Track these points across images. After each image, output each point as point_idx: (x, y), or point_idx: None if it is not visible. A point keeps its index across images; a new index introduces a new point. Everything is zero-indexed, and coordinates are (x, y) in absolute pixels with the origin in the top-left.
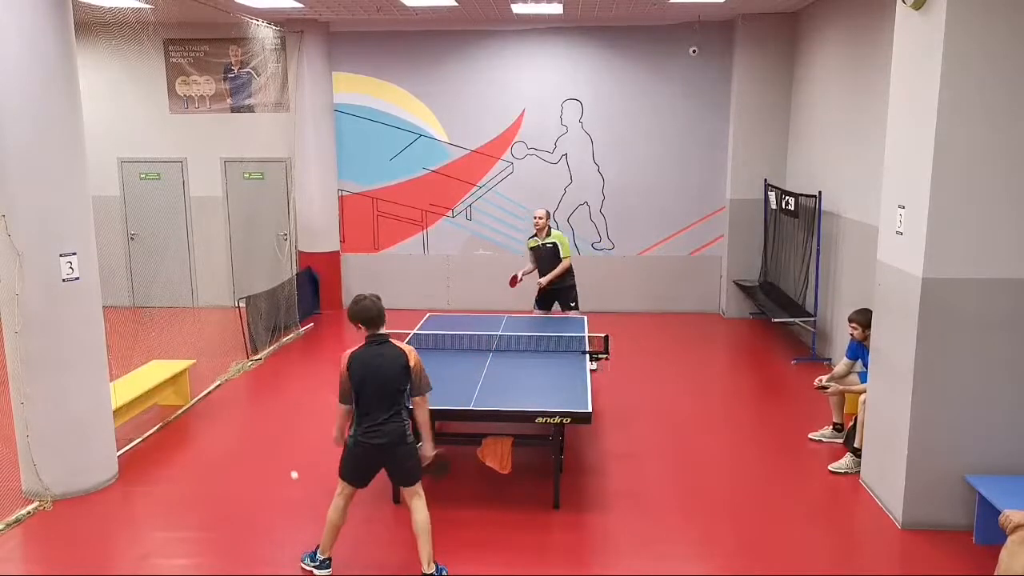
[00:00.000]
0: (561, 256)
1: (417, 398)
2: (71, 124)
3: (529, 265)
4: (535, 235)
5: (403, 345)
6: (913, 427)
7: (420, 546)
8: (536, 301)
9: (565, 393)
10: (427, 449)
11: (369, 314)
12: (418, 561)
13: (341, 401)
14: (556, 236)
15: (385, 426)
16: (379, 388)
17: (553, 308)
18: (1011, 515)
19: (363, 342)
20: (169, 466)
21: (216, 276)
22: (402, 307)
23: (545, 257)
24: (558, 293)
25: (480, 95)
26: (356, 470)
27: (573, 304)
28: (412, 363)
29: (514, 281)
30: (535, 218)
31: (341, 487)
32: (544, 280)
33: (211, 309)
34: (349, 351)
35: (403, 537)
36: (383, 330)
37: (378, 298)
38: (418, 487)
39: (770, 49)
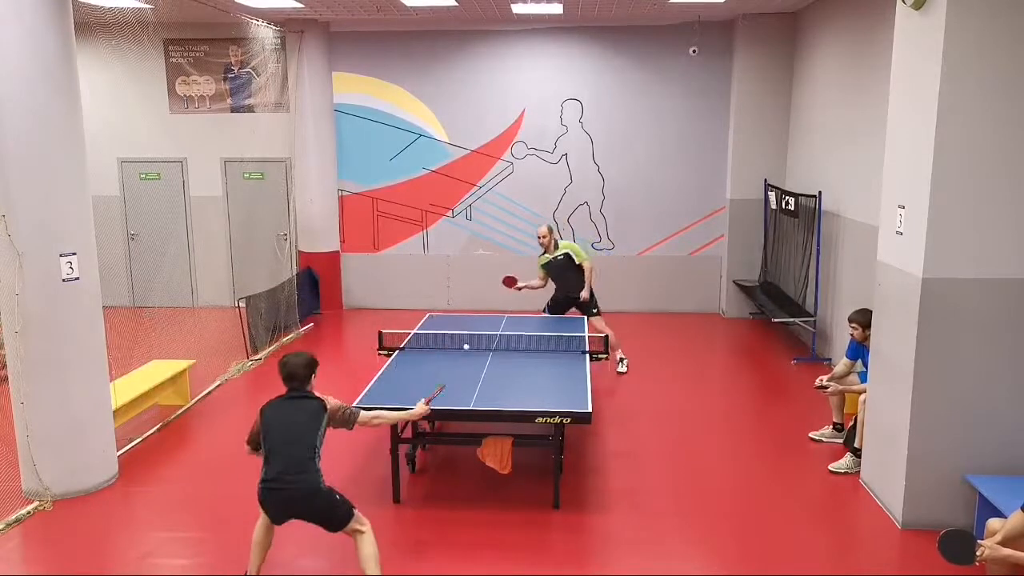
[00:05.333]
0: (578, 262)
1: (358, 424)
2: (71, 124)
3: (536, 281)
4: (544, 252)
5: (321, 395)
6: (913, 427)
7: None
8: (548, 308)
9: (565, 393)
10: (418, 411)
11: (291, 370)
12: (419, 560)
13: (248, 443)
14: (565, 246)
15: (291, 478)
16: (285, 440)
17: (568, 314)
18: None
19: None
20: (169, 466)
21: (216, 276)
22: (402, 307)
23: (559, 269)
24: (577, 300)
25: (480, 95)
26: (268, 513)
27: (596, 311)
28: (329, 408)
29: (512, 282)
30: (539, 237)
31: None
32: (585, 293)
33: (211, 309)
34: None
35: (404, 537)
36: (307, 388)
37: (300, 355)
38: (354, 524)
39: (770, 49)
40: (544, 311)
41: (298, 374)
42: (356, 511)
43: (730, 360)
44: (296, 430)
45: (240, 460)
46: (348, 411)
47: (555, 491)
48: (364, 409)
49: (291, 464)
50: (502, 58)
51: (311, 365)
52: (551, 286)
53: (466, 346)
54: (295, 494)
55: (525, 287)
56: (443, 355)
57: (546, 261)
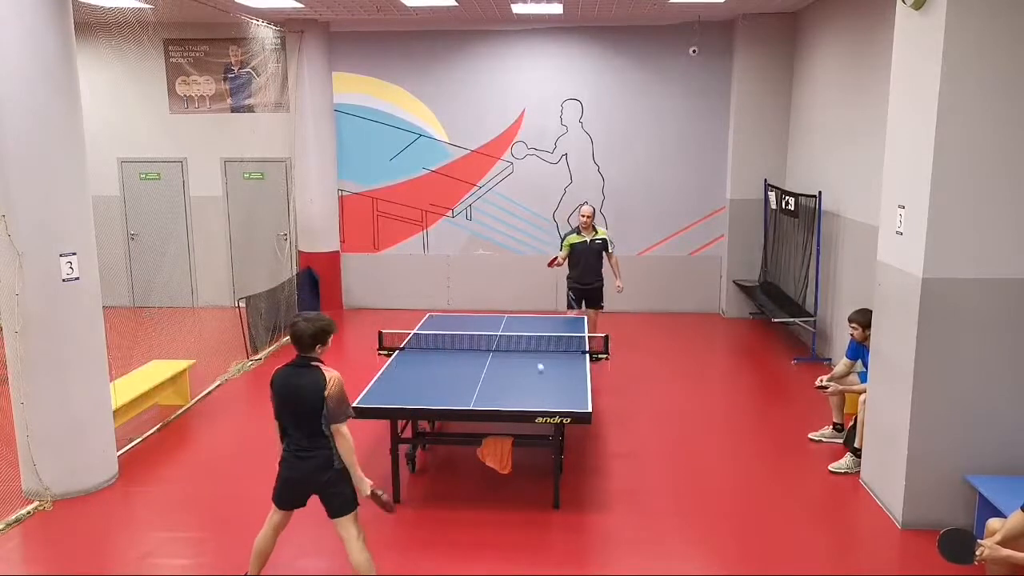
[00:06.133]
0: (610, 251)
1: (335, 426)
2: (71, 124)
3: (558, 259)
4: (576, 231)
5: (329, 371)
6: (913, 427)
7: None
8: (575, 301)
9: (565, 393)
10: (359, 486)
11: (297, 335)
12: (419, 560)
13: (276, 418)
14: (604, 233)
15: (304, 452)
16: (293, 412)
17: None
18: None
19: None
20: (169, 466)
21: (216, 276)
22: (402, 307)
23: (591, 254)
24: (593, 292)
25: (480, 95)
26: (281, 491)
27: (602, 304)
28: (328, 390)
29: (553, 263)
30: (582, 216)
31: (272, 510)
32: (621, 283)
33: (211, 309)
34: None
35: (404, 537)
36: (318, 353)
37: (312, 321)
38: (348, 523)
39: (770, 49)
40: (570, 306)
41: (302, 341)
42: (358, 511)
43: (730, 360)
44: (301, 408)
45: (240, 460)
46: (338, 412)
47: (555, 491)
48: (352, 418)
49: (302, 442)
50: (502, 58)
51: (318, 336)
52: (562, 273)
53: (540, 366)
54: (303, 473)
55: (553, 263)
56: (443, 355)
57: (578, 241)
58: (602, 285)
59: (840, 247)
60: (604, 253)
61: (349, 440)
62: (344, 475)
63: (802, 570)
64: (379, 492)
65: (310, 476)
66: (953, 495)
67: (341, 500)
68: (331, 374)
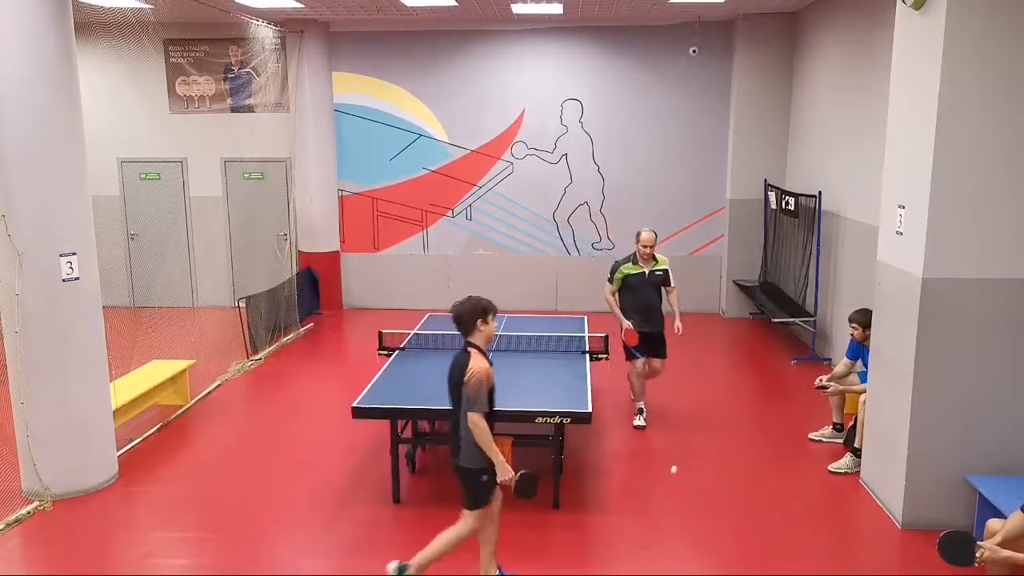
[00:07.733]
0: (672, 283)
1: (469, 414)
2: (71, 124)
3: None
4: (631, 259)
5: (476, 361)
6: (913, 427)
7: (429, 546)
8: (638, 349)
9: (565, 393)
10: (500, 475)
11: (456, 318)
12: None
13: None
14: (665, 261)
15: (453, 430)
16: (449, 390)
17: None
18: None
19: None
20: (169, 466)
21: (216, 276)
22: (402, 307)
23: (650, 288)
24: (656, 337)
25: (480, 95)
26: None
27: (666, 353)
28: (467, 377)
29: (633, 338)
30: (643, 246)
31: None
32: (680, 324)
33: (211, 309)
34: None
35: (403, 538)
36: (472, 338)
37: (466, 303)
38: (465, 515)
39: (770, 49)
40: (631, 357)
41: (462, 322)
42: (480, 513)
43: (730, 360)
44: (451, 388)
45: (240, 460)
46: (471, 402)
47: (555, 491)
48: (482, 413)
49: (453, 425)
50: (502, 58)
51: (476, 312)
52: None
53: (674, 468)
54: (452, 455)
55: (631, 335)
56: (443, 355)
57: (635, 273)
58: (664, 328)
59: (840, 247)
60: (664, 287)
61: (480, 428)
62: (468, 475)
63: (802, 570)
64: (525, 472)
65: (453, 457)
66: (953, 495)
67: (464, 494)
68: (476, 365)
